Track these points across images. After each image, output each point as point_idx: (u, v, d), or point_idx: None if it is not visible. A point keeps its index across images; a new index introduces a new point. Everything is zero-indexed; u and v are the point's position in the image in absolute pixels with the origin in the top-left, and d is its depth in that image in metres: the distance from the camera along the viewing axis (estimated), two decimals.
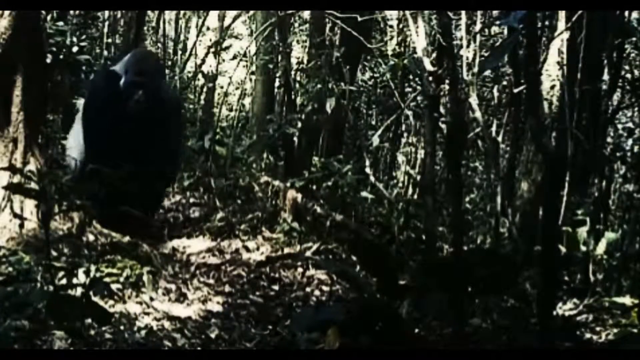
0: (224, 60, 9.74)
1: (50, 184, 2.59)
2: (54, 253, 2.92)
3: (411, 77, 8.60)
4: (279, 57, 7.99)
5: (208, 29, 11.61)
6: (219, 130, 6.84)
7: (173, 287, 3.50)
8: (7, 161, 3.29)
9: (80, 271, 2.66)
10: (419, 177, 7.64)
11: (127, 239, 3.70)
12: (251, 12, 10.25)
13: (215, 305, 3.44)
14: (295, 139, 7.13)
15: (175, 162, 5.03)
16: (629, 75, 8.19)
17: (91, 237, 3.47)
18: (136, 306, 3.08)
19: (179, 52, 11.08)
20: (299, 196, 5.36)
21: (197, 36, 10.50)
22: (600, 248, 4.51)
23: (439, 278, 2.42)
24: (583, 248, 4.48)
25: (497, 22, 7.85)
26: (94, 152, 4.39)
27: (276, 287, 3.95)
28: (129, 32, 7.90)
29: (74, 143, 4.64)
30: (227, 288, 3.78)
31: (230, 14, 10.70)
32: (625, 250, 4.97)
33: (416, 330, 2.77)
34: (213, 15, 11.04)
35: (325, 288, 3.95)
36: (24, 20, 3.39)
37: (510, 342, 2.94)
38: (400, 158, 8.81)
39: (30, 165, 3.35)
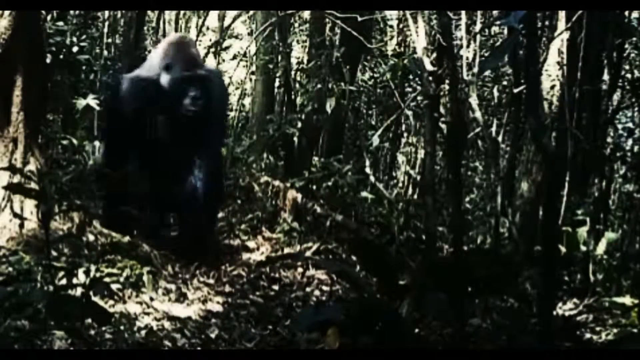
0: (224, 60, 9.74)
1: (50, 184, 2.59)
2: (54, 253, 2.92)
3: (411, 77, 8.60)
4: (279, 57, 7.99)
5: (208, 29, 11.60)
6: None
7: (173, 287, 3.50)
8: (7, 161, 3.28)
9: (80, 271, 2.66)
10: (419, 177, 7.63)
11: (127, 238, 3.70)
12: (251, 12, 10.24)
13: (215, 305, 3.44)
14: (295, 139, 7.13)
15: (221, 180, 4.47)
16: (629, 75, 8.18)
17: (91, 237, 3.47)
18: (136, 306, 3.08)
19: None
20: (299, 196, 5.36)
21: (197, 36, 10.46)
22: (600, 248, 4.52)
23: (439, 278, 2.42)
24: (583, 248, 4.48)
25: (497, 22, 7.85)
26: (134, 171, 3.80)
27: (276, 287, 3.95)
28: (129, 32, 7.89)
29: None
30: (227, 288, 3.78)
31: (230, 14, 10.69)
32: (625, 250, 4.97)
33: (416, 330, 2.76)
34: (213, 15, 11.03)
35: (325, 288, 3.96)
36: (24, 20, 3.39)
37: (510, 342, 2.94)
38: (400, 158, 8.80)
39: (30, 165, 3.34)
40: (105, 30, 8.98)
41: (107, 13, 8.97)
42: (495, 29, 8.90)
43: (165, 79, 3.79)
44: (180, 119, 3.78)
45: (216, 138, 4.15)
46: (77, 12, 8.17)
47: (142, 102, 3.82)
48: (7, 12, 3.31)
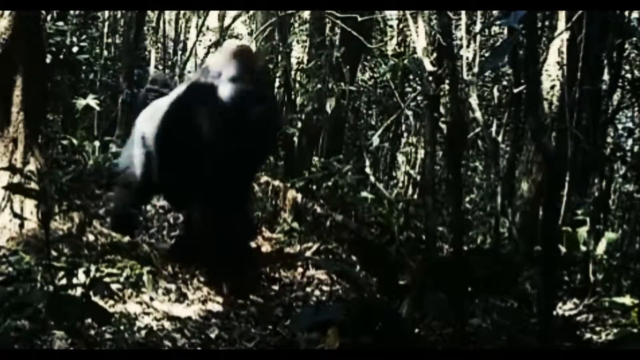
0: None
1: (50, 184, 2.58)
2: (54, 253, 2.92)
3: (411, 77, 8.60)
4: (279, 57, 7.99)
5: (208, 29, 11.61)
6: None
7: (173, 287, 3.50)
8: (7, 161, 3.29)
9: (80, 271, 2.66)
10: (419, 177, 7.63)
11: (127, 239, 3.70)
12: (251, 12, 10.24)
13: (215, 305, 3.44)
14: (295, 139, 7.13)
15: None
16: (629, 75, 8.17)
17: (91, 237, 3.47)
18: (136, 306, 3.08)
19: (179, 52, 11.08)
20: (299, 196, 5.37)
21: (197, 36, 10.48)
22: (600, 248, 4.52)
23: (439, 278, 2.42)
24: (583, 248, 4.48)
25: (497, 22, 7.85)
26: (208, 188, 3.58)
27: (276, 287, 3.95)
28: (129, 32, 7.89)
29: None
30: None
31: (230, 14, 10.69)
32: (625, 250, 4.97)
33: (416, 330, 2.76)
34: (213, 15, 11.03)
35: (325, 288, 3.96)
36: (24, 20, 3.39)
37: (510, 342, 2.94)
38: (400, 158, 8.80)
39: (30, 165, 3.35)
40: (105, 30, 8.99)
41: (107, 13, 8.98)
42: (495, 29, 8.91)
43: (227, 91, 3.59)
44: (240, 132, 3.57)
45: (267, 151, 4.05)
46: (77, 12, 8.17)
47: (201, 111, 3.64)
48: (7, 12, 3.31)
